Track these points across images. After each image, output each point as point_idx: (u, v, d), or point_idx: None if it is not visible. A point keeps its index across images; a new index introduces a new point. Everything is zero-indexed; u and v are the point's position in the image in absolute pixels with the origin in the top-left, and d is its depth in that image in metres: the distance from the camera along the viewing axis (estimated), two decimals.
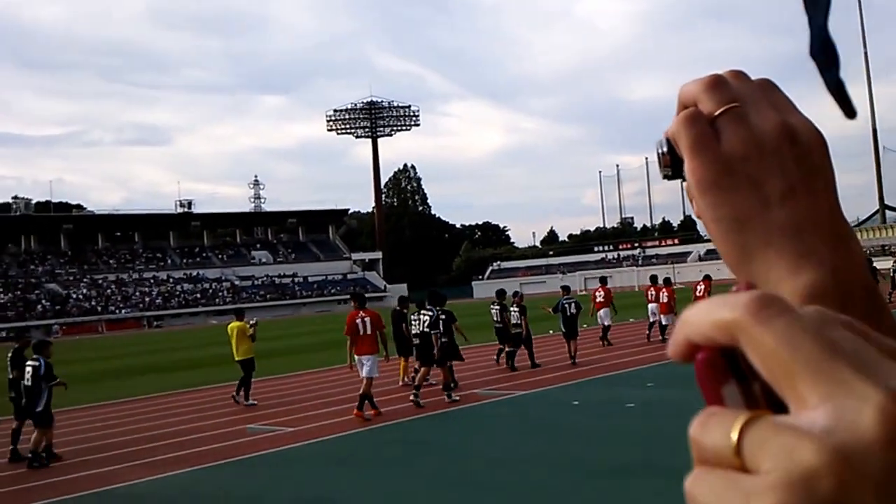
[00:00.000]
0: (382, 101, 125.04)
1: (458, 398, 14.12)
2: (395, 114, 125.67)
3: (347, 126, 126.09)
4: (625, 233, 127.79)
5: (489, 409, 13.40)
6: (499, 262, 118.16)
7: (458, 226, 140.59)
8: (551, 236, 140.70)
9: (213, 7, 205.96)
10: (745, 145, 0.40)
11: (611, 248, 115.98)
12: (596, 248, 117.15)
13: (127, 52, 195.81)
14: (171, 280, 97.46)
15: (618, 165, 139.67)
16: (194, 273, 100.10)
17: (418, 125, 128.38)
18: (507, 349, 18.05)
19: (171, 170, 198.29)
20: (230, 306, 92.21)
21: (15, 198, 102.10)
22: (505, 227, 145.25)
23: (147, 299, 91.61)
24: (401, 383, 16.16)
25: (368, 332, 13.28)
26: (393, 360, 15.27)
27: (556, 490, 8.09)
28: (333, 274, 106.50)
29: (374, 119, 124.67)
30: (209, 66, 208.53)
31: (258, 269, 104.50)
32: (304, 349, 29.29)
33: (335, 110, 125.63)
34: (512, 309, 18.00)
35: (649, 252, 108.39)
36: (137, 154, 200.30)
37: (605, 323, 21.38)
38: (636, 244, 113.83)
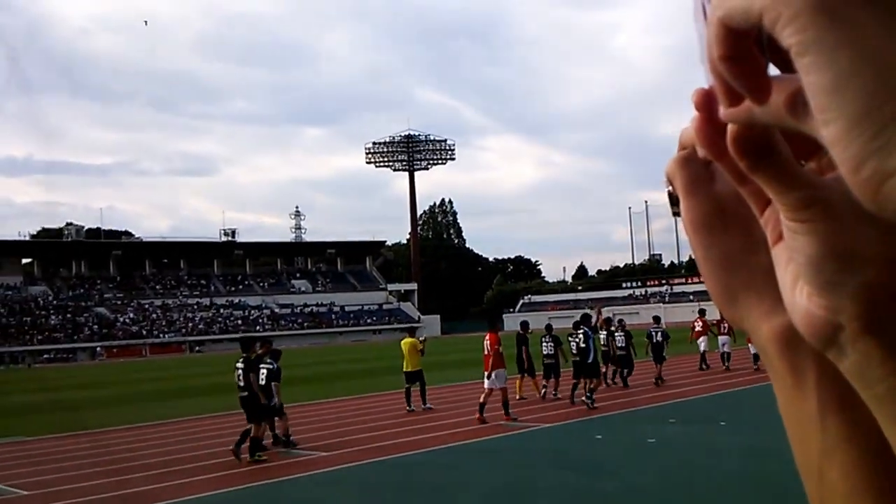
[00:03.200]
0: (420, 135, 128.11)
1: (596, 406, 16.41)
2: (431, 147, 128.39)
3: (386, 159, 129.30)
4: (653, 269, 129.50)
5: (510, 442, 13.49)
6: (529, 296, 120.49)
7: (491, 259, 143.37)
8: (581, 271, 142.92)
9: (258, 40, 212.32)
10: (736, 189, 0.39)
11: (638, 284, 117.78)
12: (624, 285, 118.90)
13: (176, 83, 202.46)
14: (214, 306, 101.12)
15: (646, 202, 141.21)
16: (236, 300, 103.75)
17: (454, 159, 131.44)
18: (613, 371, 20.65)
19: (216, 199, 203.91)
20: (269, 333, 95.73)
21: (68, 224, 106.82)
22: (537, 261, 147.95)
23: (190, 324, 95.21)
24: (517, 398, 18.17)
25: (488, 351, 16.07)
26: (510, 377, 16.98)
27: None
28: (369, 304, 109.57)
29: (412, 152, 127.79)
30: (254, 98, 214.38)
31: (297, 297, 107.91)
32: (340, 376, 30.58)
33: (374, 143, 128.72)
34: (618, 334, 20.38)
35: (676, 289, 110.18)
36: (185, 184, 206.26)
37: (703, 349, 24.29)
38: (663, 281, 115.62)
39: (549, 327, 19.97)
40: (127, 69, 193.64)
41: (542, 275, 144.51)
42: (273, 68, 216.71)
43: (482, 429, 14.75)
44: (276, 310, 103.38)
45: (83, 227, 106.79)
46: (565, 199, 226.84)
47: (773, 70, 0.33)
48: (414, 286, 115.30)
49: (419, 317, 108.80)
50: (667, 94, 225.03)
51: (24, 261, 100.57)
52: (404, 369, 18.20)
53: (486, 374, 15.92)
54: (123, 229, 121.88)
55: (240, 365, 13.39)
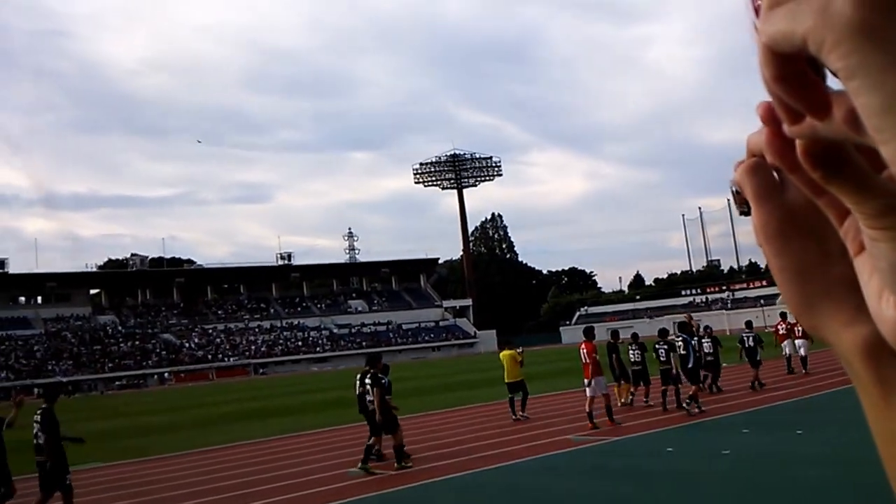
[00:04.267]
0: (465, 154, 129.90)
1: (705, 410, 16.68)
2: (477, 165, 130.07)
3: (433, 178, 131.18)
4: (711, 275, 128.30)
5: (580, 457, 13.37)
6: (586, 308, 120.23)
7: (544, 272, 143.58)
8: (637, 280, 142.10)
9: (301, 72, 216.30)
10: (809, 198, 0.39)
11: (698, 291, 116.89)
12: (683, 292, 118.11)
13: (225, 117, 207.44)
14: (274, 329, 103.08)
15: (700, 208, 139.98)
16: (295, 322, 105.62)
17: (500, 175, 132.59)
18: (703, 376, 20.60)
19: (272, 224, 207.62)
20: (329, 353, 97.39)
21: (132, 255, 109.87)
22: (591, 272, 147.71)
23: (253, 347, 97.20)
24: (618, 404, 18.88)
25: (586, 360, 16.67)
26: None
27: None
28: (426, 321, 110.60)
29: (459, 171, 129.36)
30: (300, 127, 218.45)
31: (354, 317, 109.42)
32: (431, 391, 30.93)
33: (421, 164, 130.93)
34: (704, 340, 20.63)
35: (738, 295, 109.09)
36: (240, 211, 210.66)
37: (787, 353, 24.23)
38: (724, 287, 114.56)
39: (635, 336, 20.47)
40: (178, 107, 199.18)
41: (598, 285, 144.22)
42: (316, 97, 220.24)
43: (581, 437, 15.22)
44: (335, 330, 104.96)
45: (147, 256, 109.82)
46: (617, 209, 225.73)
47: (835, 82, 0.32)
48: (469, 302, 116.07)
49: (475, 332, 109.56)
50: (709, 101, 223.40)
51: (92, 291, 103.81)
52: (506, 380, 18.95)
53: (586, 381, 16.53)
54: (185, 257, 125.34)
55: (368, 381, 14.01)
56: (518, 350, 19.33)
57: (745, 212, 0.44)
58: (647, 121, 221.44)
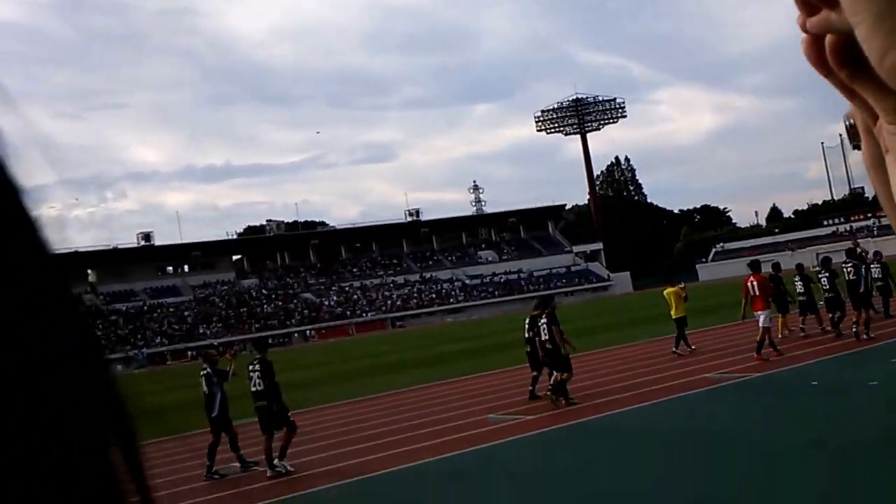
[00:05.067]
0: (588, 98, 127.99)
1: (873, 336, 16.78)
2: (601, 108, 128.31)
3: (556, 125, 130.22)
4: (855, 203, 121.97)
5: (721, 394, 13.28)
6: (722, 244, 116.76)
7: (675, 211, 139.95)
8: (774, 213, 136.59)
9: (420, 28, 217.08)
10: None
11: (841, 220, 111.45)
12: (825, 222, 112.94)
13: (349, 79, 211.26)
14: (407, 283, 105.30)
15: (841, 135, 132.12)
16: (428, 275, 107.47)
17: (625, 117, 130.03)
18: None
19: (399, 182, 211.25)
20: (463, 304, 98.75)
21: (268, 221, 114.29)
22: (725, 208, 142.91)
23: (389, 302, 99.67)
24: (779, 336, 18.82)
25: (757, 293, 16.95)
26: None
27: (792, 470, 7.94)
28: (557, 267, 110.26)
29: (581, 115, 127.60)
30: (422, 83, 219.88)
31: (485, 267, 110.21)
32: (590, 331, 30.02)
33: (542, 111, 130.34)
34: (874, 267, 19.85)
35: (885, 221, 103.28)
36: (368, 171, 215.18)
37: None
38: (869, 214, 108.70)
39: (800, 266, 20.67)
40: (304, 74, 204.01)
41: (733, 221, 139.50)
42: (436, 53, 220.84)
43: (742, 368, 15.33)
44: (467, 281, 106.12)
45: (283, 221, 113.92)
46: (750, 142, 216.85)
47: None
48: (599, 245, 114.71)
49: (608, 275, 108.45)
50: None
51: (235, 257, 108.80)
52: (673, 316, 19.29)
53: (756, 314, 16.75)
54: (319, 220, 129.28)
55: (543, 321, 14.38)
56: (681, 286, 19.66)
57: (857, 146, 0.45)
58: (782, 48, 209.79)
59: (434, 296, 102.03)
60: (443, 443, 12.04)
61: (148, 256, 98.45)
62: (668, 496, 7.65)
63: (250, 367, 11.86)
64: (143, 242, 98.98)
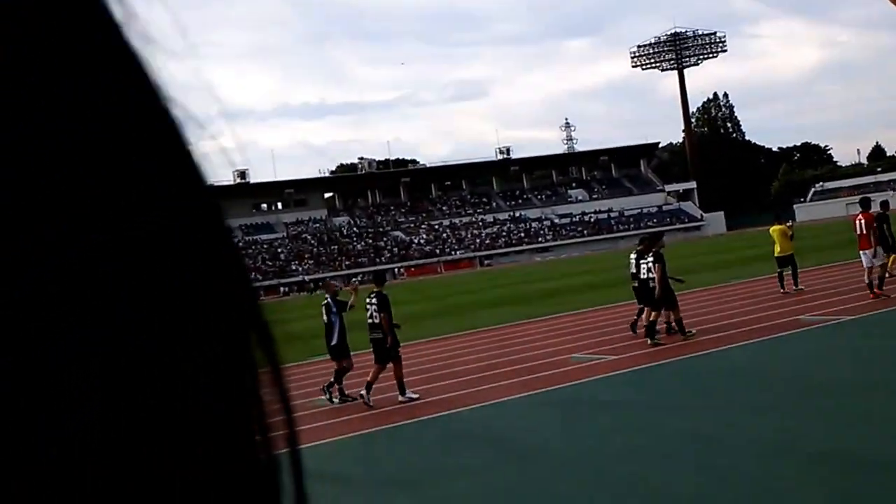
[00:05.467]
0: (686, 31, 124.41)
1: None
2: (700, 42, 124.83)
3: (652, 60, 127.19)
4: None
5: (816, 336, 13.20)
6: (821, 183, 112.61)
7: (774, 149, 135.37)
8: (877, 152, 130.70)
9: None
10: None
11: None
12: None
13: (441, 16, 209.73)
14: (496, 222, 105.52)
15: None
16: (517, 214, 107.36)
17: (725, 51, 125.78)
18: None
19: (489, 120, 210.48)
20: (551, 243, 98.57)
21: (360, 158, 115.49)
22: (826, 146, 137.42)
23: (477, 241, 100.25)
24: (886, 276, 17.98)
25: (864, 231, 16.68)
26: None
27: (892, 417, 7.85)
28: (648, 207, 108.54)
29: (679, 50, 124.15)
30: (515, 19, 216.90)
31: (575, 206, 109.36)
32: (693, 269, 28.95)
33: (639, 46, 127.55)
34: None
35: None
36: (459, 109, 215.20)
37: None
38: None
39: None
40: (397, 11, 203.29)
41: (834, 160, 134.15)
42: None
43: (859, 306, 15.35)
44: (556, 220, 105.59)
45: (374, 159, 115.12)
46: (854, 77, 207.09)
47: None
48: (693, 185, 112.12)
49: (701, 215, 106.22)
50: None
51: (327, 195, 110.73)
52: (777, 254, 19.11)
53: (863, 252, 16.51)
54: (410, 158, 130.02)
55: (649, 258, 14.38)
56: (788, 224, 19.33)
57: None
58: None
59: (523, 234, 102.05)
60: (532, 380, 12.38)
61: (243, 193, 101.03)
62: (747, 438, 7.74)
63: (367, 301, 12.21)
64: (238, 180, 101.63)
